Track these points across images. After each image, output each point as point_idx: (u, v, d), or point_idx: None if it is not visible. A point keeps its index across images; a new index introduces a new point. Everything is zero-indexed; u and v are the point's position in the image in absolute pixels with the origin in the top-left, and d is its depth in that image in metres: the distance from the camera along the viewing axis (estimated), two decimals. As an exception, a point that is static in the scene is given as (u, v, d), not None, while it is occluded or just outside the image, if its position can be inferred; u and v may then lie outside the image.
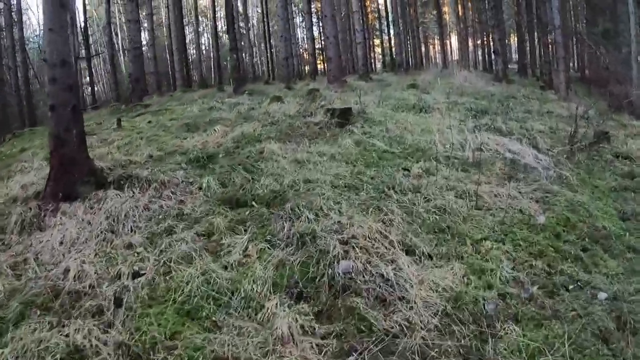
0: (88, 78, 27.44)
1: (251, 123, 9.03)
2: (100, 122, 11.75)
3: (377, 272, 3.90)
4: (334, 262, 3.98)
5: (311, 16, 39.56)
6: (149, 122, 10.55)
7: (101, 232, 5.32)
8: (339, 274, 3.85)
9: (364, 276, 3.87)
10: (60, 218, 5.76)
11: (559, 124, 10.61)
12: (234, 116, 10.11)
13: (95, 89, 31.46)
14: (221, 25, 30.08)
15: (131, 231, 5.33)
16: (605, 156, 8.62)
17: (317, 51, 32.27)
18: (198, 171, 6.60)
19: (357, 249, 4.14)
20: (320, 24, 38.09)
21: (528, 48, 32.88)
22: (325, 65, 15.64)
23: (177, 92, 22.49)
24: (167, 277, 4.17)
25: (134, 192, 6.12)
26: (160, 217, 5.49)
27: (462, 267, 4.17)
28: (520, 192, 5.96)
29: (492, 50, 21.73)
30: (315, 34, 47.87)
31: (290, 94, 14.54)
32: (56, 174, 6.22)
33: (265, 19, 31.38)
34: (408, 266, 4.05)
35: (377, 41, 44.51)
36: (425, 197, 5.50)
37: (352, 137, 7.91)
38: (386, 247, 4.27)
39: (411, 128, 8.60)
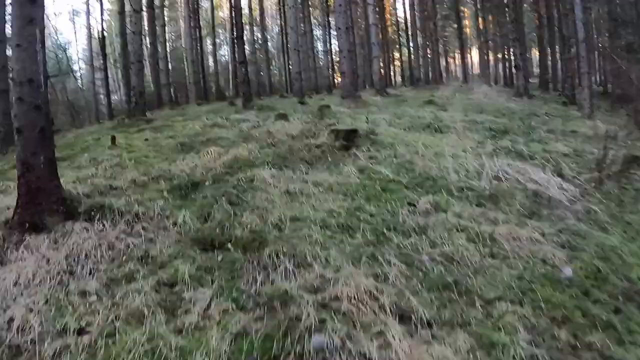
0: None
1: (249, 144, 8.26)
2: (99, 137, 11.09)
3: (358, 351, 3.03)
4: (305, 335, 3.13)
5: (329, 29, 38.99)
6: (146, 139, 9.85)
7: (58, 272, 4.56)
8: (309, 352, 3.00)
9: (341, 356, 3.00)
10: (23, 252, 5.02)
11: (584, 146, 9.62)
12: (234, 135, 9.36)
13: (115, 98, 31.30)
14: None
15: (90, 274, 4.55)
16: (636, 184, 7.62)
17: (335, 64, 31.60)
18: (179, 202, 5.82)
19: (337, 316, 3.29)
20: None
21: (549, 62, 31.69)
22: (342, 78, 14.91)
23: (190, 105, 21.96)
24: (111, 341, 3.38)
25: (104, 225, 5.38)
26: (124, 258, 4.70)
27: (467, 339, 3.27)
28: (543, 234, 5.03)
29: (513, 64, 20.72)
30: (334, 47, 47.42)
31: (301, 109, 13.78)
32: (23, 203, 5.53)
33: (283, 31, 30.76)
34: (400, 340, 3.16)
35: (397, 54, 43.63)
36: (431, 241, 4.62)
37: (356, 163, 7.07)
38: (375, 313, 3.41)
39: (423, 151, 7.70)
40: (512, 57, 29.80)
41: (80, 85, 31.17)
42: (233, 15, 15.98)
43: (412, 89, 25.68)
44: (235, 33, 14.99)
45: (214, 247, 4.64)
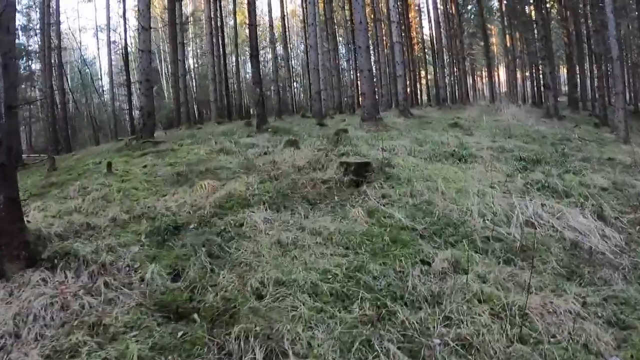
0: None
1: (250, 176, 7.39)
2: (101, 160, 10.38)
3: None
4: None
5: (353, 47, 38.20)
6: (144, 166, 9.07)
7: (2, 335, 3.76)
8: None
9: None
10: (-26, 306, 4.20)
11: (624, 177, 8.50)
12: (237, 164, 8.52)
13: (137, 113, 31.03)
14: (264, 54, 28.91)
15: (35, 340, 3.73)
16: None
17: (358, 83, 30.73)
18: (154, 250, 4.95)
19: None
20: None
21: (578, 80, 30.29)
22: (362, 99, 13.99)
23: (209, 123, 21.29)
24: None
25: (65, 276, 4.57)
26: (76, 323, 3.84)
27: None
28: (584, 303, 3.99)
29: (542, 83, 19.54)
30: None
31: (317, 132, 12.91)
32: (-18, 247, 4.71)
33: (307, 49, 30.11)
34: None
35: (424, 73, 42.57)
36: (446, 317, 3.61)
37: (366, 203, 6.10)
38: None
39: (444, 188, 6.70)
40: (541, 76, 28.54)
41: (103, 101, 31.00)
42: (248, 32, 15.26)
43: (437, 109, 24.61)
44: (250, 51, 14.18)
45: (178, 316, 3.74)
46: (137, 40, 31.53)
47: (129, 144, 12.44)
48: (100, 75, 36.93)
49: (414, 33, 39.09)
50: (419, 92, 38.85)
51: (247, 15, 32.86)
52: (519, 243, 5.09)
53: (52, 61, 21.14)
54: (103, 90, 34.57)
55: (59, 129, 22.63)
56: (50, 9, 20.46)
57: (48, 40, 19.81)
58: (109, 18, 25.54)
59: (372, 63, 35.96)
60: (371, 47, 34.21)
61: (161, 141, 12.49)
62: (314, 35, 17.55)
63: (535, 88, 32.61)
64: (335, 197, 6.34)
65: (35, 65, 33.67)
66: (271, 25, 24.17)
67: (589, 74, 33.85)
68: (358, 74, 14.49)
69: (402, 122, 15.91)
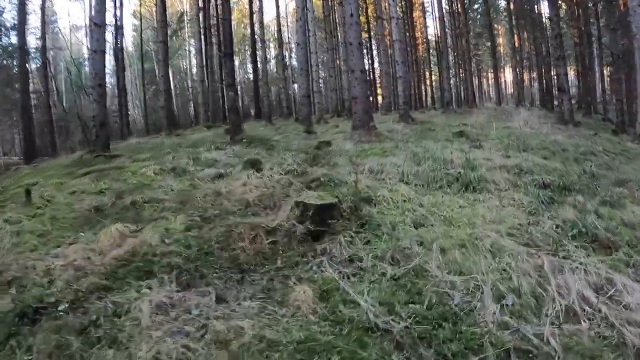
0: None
1: (179, 217, 5.34)
2: (37, 181, 8.39)
3: None
4: None
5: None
6: (73, 192, 7.05)
7: None
8: None
9: None
10: None
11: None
12: (174, 195, 6.47)
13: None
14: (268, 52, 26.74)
15: None
16: None
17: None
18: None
19: None
20: (374, 54, 34.37)
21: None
22: (353, 104, 11.88)
23: (189, 130, 19.28)
24: None
25: None
26: None
27: None
28: None
29: (557, 87, 17.32)
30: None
31: (297, 145, 10.87)
32: None
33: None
34: None
35: (429, 74, 40.26)
36: None
37: (321, 274, 3.99)
38: None
39: (443, 239, 4.60)
40: (555, 78, 26.33)
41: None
42: (222, 28, 13.13)
43: (441, 113, 22.39)
44: (223, 49, 12.05)
45: None
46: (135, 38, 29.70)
47: (81, 157, 10.44)
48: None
49: (419, 33, 36.84)
50: (423, 94, 36.58)
51: (245, 13, 31.00)
52: (555, 353, 2.99)
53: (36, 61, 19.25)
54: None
55: (45, 133, 20.86)
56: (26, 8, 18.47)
57: (22, 39, 17.86)
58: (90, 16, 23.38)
59: (373, 62, 33.84)
60: (374, 46, 32.05)
61: (116, 155, 10.44)
62: (303, 32, 15.34)
63: (545, 90, 30.24)
64: (279, 261, 4.25)
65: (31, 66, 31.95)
66: (261, 22, 21.96)
67: (598, 75, 31.65)
68: (349, 75, 12.50)
69: (401, 130, 13.76)
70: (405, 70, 18.15)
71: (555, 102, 28.28)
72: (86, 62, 33.53)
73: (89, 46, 11.45)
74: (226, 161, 8.73)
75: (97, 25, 10.49)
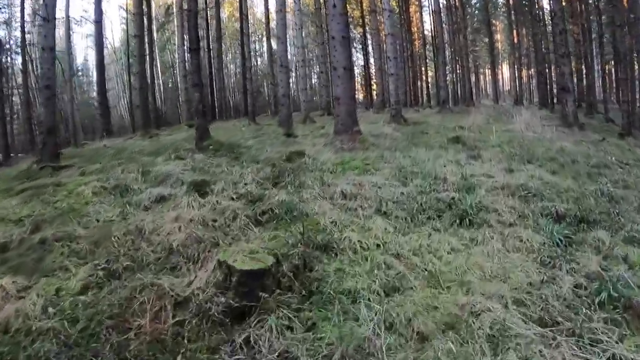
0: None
1: (80, 270, 3.91)
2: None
3: None
4: None
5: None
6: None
7: None
8: None
9: None
10: None
11: None
12: (90, 232, 4.94)
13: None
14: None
15: None
16: None
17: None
18: None
19: None
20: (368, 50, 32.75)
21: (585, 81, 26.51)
22: (335, 106, 10.26)
23: (165, 131, 17.73)
24: None
25: None
26: None
27: None
28: None
29: (560, 86, 15.73)
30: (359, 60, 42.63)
31: (268, 153, 9.30)
32: None
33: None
34: None
35: (425, 70, 38.55)
36: None
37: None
38: None
39: (425, 317, 3.13)
40: (555, 76, 24.76)
41: (76, 98, 27.42)
42: (187, 21, 11.55)
43: (437, 112, 20.80)
44: (189, 44, 10.41)
45: None
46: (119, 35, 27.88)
47: (29, 168, 8.91)
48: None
49: (415, 28, 35.14)
50: (419, 91, 34.94)
51: (237, 7, 29.17)
52: None
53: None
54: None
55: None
56: None
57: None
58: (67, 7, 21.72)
59: (368, 59, 32.19)
60: (370, 41, 30.38)
61: (65, 166, 8.88)
62: (282, 24, 13.60)
63: (546, 88, 28.64)
64: (179, 358, 2.74)
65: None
66: (241, 13, 20.17)
67: (599, 74, 30.14)
68: (332, 73, 10.81)
69: (390, 133, 12.20)
70: (397, 67, 16.56)
71: (555, 100, 26.77)
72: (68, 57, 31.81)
73: (38, 42, 9.83)
74: (179, 176, 7.19)
75: (45, 19, 8.87)
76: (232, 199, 6.04)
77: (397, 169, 7.43)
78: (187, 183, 6.37)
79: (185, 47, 20.12)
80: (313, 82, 32.69)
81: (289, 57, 13.62)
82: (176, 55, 27.05)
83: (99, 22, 18.93)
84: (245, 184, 6.70)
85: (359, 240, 4.34)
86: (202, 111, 10.09)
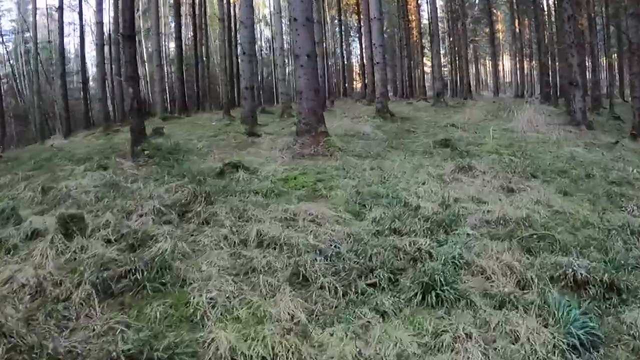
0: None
1: None
2: None
3: None
4: None
5: (340, 27, 31.95)
6: None
7: None
8: None
9: None
10: None
11: None
12: None
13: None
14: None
15: None
16: None
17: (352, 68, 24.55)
18: None
19: None
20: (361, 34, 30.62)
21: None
22: (297, 101, 8.13)
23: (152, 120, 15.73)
24: None
25: None
26: None
27: None
28: None
29: (569, 79, 13.64)
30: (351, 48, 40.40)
31: (209, 162, 7.31)
32: None
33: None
34: None
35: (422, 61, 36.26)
36: None
37: None
38: None
39: None
40: (558, 69, 22.63)
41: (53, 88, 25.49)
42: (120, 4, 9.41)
43: (431, 106, 18.72)
44: (122, 30, 8.27)
45: None
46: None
47: None
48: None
49: (413, 16, 32.81)
50: (414, 82, 32.71)
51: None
52: None
53: None
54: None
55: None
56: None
57: None
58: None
59: (362, 47, 29.92)
60: (361, 27, 28.12)
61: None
62: (247, 6, 11.28)
63: (549, 81, 26.50)
64: None
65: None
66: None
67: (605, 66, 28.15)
68: (294, 62, 8.73)
69: (369, 133, 10.18)
70: (383, 56, 14.41)
71: (558, 94, 24.70)
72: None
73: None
74: (80, 198, 5.26)
75: None
76: (109, 241, 4.10)
77: (356, 190, 5.42)
78: (55, 222, 4.34)
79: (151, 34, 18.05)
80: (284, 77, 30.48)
81: (254, 42, 11.36)
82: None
83: (60, 7, 16.90)
84: (141, 215, 4.70)
85: (231, 349, 2.37)
86: (137, 109, 8.03)
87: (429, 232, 4.18)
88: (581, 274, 3.46)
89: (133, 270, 3.33)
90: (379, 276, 3.38)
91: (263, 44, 39.26)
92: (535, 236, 4.25)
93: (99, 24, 15.73)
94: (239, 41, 12.15)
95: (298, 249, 3.74)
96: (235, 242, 4.01)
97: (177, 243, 3.92)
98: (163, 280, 3.27)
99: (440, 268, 3.41)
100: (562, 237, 4.30)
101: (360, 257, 3.64)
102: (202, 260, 3.69)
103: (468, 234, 4.24)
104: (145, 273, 3.30)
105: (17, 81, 29.41)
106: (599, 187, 6.38)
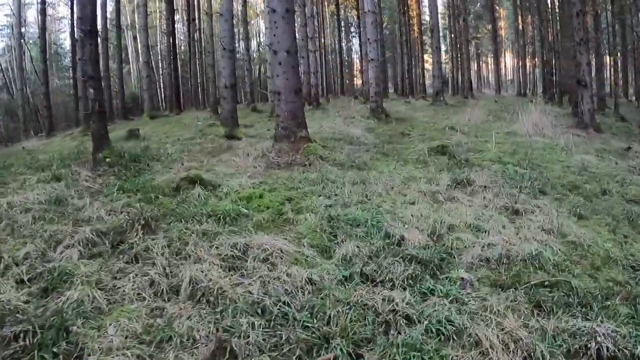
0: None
1: None
2: None
3: None
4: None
5: (338, 22, 30.86)
6: None
7: None
8: None
9: None
10: None
11: None
12: None
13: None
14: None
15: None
16: None
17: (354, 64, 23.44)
18: None
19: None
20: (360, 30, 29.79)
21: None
22: (275, 103, 7.12)
23: (139, 120, 14.92)
24: None
25: None
26: None
27: None
28: None
29: (577, 79, 12.61)
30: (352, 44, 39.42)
31: (171, 174, 6.37)
32: None
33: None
34: None
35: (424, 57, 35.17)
36: None
37: None
38: None
39: None
40: (560, 67, 21.61)
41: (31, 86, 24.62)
42: None
43: (429, 105, 17.72)
44: (82, 26, 7.19)
45: None
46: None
47: None
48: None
49: (414, 12, 31.72)
50: (414, 80, 31.63)
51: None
52: None
53: None
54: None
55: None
56: None
57: None
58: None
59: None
60: (359, 22, 27.06)
61: None
62: None
63: (553, 79, 25.53)
64: None
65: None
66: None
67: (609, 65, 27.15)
68: (272, 58, 7.76)
69: (359, 136, 9.24)
70: (378, 52, 13.42)
71: (561, 93, 23.74)
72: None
73: None
74: (20, 219, 4.38)
75: None
76: (22, 282, 3.20)
77: (330, 214, 4.46)
78: None
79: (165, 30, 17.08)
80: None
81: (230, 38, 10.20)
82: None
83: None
84: (68, 246, 3.79)
85: None
86: (99, 113, 7.05)
87: (411, 280, 3.23)
88: (607, 348, 2.53)
89: (28, 331, 2.44)
90: (337, 350, 2.45)
91: (261, 40, 38.25)
92: (546, 283, 3.30)
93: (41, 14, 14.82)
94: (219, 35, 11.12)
95: (234, 306, 2.81)
96: (162, 291, 3.08)
97: (91, 291, 3.01)
98: (55, 350, 2.36)
99: (420, 340, 2.49)
100: (579, 282, 3.37)
101: (316, 320, 2.71)
102: (111, 320, 2.76)
103: (462, 280, 3.30)
104: (38, 337, 2.40)
105: (9, 77, 28.50)
106: (618, 207, 5.43)
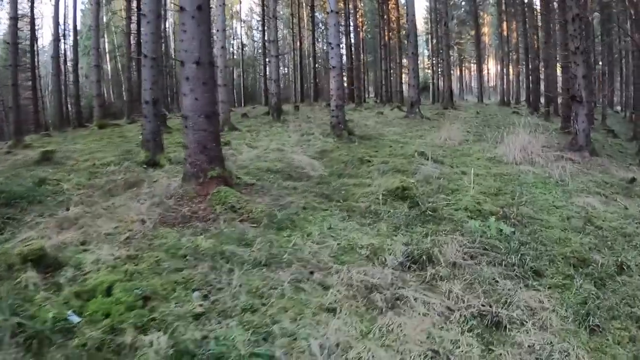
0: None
1: None
2: None
3: None
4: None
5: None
6: None
7: None
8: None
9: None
10: None
11: None
12: None
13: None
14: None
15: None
16: None
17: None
18: None
19: None
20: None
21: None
22: (183, 129, 5.29)
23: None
24: None
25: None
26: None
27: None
28: None
29: (571, 94, 10.76)
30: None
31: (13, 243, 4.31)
32: None
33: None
34: None
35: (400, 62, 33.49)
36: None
37: None
38: None
39: None
40: (544, 78, 20.13)
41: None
42: None
43: (403, 118, 15.85)
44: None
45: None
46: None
47: None
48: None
49: (393, 17, 29.90)
50: (391, 87, 29.82)
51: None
52: None
53: None
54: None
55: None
56: None
57: None
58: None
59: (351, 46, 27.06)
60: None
61: None
62: None
63: (538, 89, 24.07)
64: None
65: None
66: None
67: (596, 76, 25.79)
68: (181, 69, 6.12)
69: (305, 165, 7.31)
70: (340, 59, 11.51)
71: (545, 103, 22.37)
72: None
73: None
74: None
75: None
76: None
77: (187, 339, 2.51)
78: None
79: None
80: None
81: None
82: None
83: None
84: None
85: None
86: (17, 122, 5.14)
87: None
88: None
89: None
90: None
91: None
92: None
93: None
94: (142, 39, 9.04)
95: None
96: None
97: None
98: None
99: None
100: None
101: None
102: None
103: None
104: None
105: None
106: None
